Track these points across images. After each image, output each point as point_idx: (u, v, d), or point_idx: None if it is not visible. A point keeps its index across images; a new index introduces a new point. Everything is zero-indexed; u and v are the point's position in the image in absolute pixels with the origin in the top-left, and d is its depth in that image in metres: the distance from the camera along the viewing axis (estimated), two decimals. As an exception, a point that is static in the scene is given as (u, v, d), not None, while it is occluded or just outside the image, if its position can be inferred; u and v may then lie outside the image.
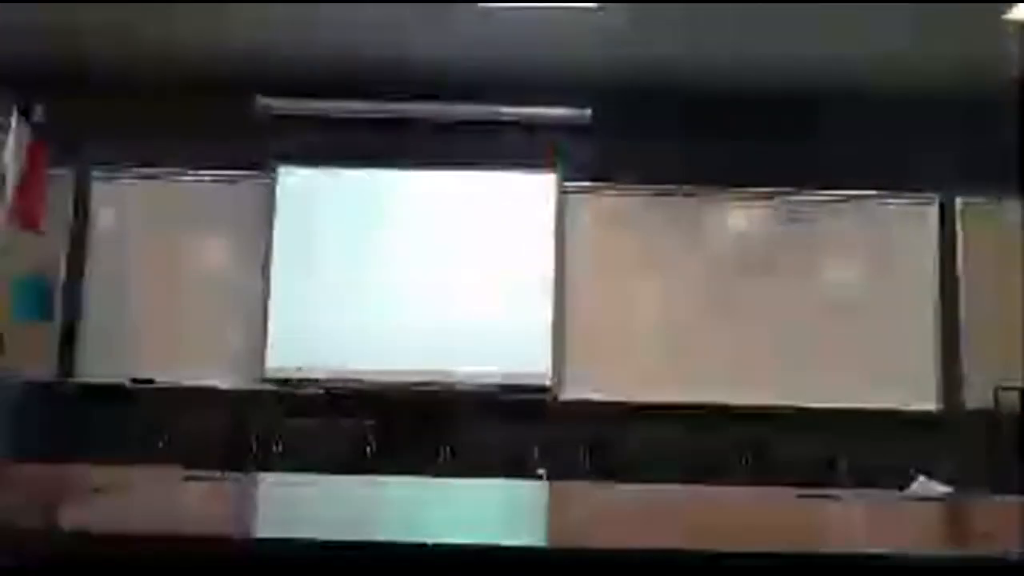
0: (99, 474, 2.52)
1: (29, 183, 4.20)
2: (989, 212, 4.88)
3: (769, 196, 4.92)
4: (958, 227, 4.89)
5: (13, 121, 4.12)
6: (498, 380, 4.66)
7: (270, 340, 4.70)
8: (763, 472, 4.45)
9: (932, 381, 4.74)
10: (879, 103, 4.95)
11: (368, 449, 4.40)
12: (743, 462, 4.48)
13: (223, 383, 4.69)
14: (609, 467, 4.47)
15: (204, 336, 4.77)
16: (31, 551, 1.15)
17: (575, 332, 4.77)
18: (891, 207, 4.90)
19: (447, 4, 4.06)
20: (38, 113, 4.30)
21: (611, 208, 4.92)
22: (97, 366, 4.74)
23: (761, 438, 4.55)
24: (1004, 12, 3.97)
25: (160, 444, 4.30)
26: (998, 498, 2.99)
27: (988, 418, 4.70)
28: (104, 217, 4.89)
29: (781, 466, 4.48)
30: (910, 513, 1.77)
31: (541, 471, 4.34)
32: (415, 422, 4.59)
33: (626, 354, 4.76)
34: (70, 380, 4.73)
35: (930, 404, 4.72)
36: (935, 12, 3.96)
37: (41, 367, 4.60)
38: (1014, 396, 4.63)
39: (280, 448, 4.44)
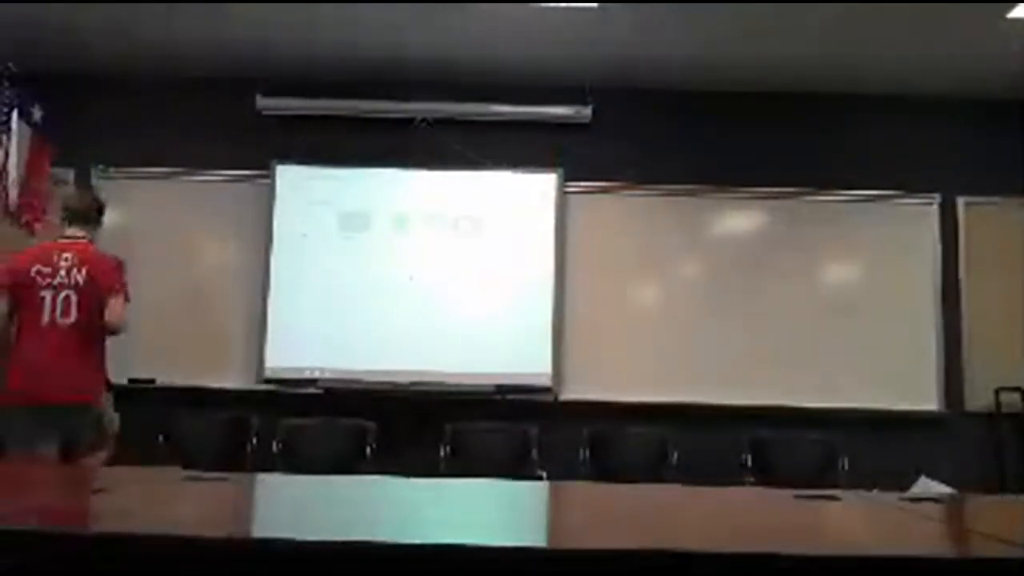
0: (99, 474, 2.51)
1: (29, 182, 4.21)
2: (991, 211, 4.88)
3: (769, 196, 4.91)
4: (960, 226, 4.89)
5: (13, 120, 4.12)
6: (498, 380, 4.66)
7: (270, 340, 4.70)
8: (763, 472, 4.45)
9: (933, 381, 4.73)
10: (880, 103, 4.95)
11: (368, 449, 4.40)
12: (743, 462, 4.48)
13: (223, 383, 4.69)
14: (609, 467, 4.47)
15: (204, 336, 4.77)
16: (31, 551, 1.15)
17: (575, 332, 4.76)
18: (892, 206, 4.89)
19: (447, 4, 4.06)
20: (38, 112, 4.31)
21: (611, 208, 4.92)
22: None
23: (761, 438, 4.55)
24: (1005, 12, 3.97)
25: (160, 444, 4.30)
26: (999, 498, 2.99)
27: (989, 419, 4.70)
28: (104, 216, 4.87)
29: (781, 466, 4.48)
30: (910, 514, 1.77)
31: (541, 471, 4.34)
32: (415, 422, 4.59)
33: (626, 354, 4.76)
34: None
35: (931, 404, 4.71)
36: (936, 12, 3.96)
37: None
38: (1015, 397, 4.64)
39: (280, 448, 4.44)
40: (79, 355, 3.35)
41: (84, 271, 3.38)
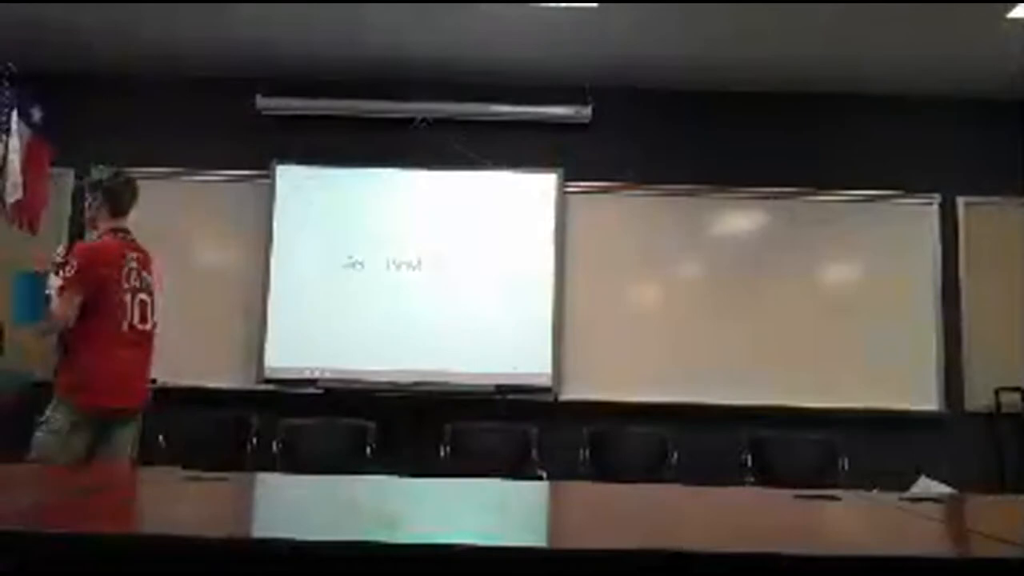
0: (99, 474, 2.51)
1: (28, 182, 4.20)
2: (991, 211, 4.88)
3: (769, 196, 4.92)
4: (960, 226, 4.89)
5: (13, 120, 4.12)
6: (498, 380, 4.66)
7: (270, 340, 4.70)
8: (763, 472, 4.45)
9: (933, 381, 4.74)
10: (880, 103, 4.95)
11: (368, 449, 4.40)
12: (743, 462, 4.48)
13: (223, 383, 4.69)
14: (609, 467, 4.47)
15: (204, 335, 4.76)
16: (31, 551, 1.15)
17: (575, 332, 4.76)
18: (892, 206, 4.89)
19: (447, 4, 4.06)
20: (38, 112, 4.30)
21: (611, 208, 4.92)
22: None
23: (761, 438, 4.55)
24: (1005, 12, 3.97)
25: (160, 444, 4.30)
26: (999, 498, 2.99)
27: (989, 419, 4.70)
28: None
29: (781, 466, 4.48)
30: (910, 514, 1.77)
31: (541, 471, 4.34)
32: (415, 422, 4.59)
33: (626, 354, 4.76)
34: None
35: (931, 404, 4.72)
36: (936, 12, 3.96)
37: (41, 367, 4.59)
38: (1015, 397, 4.64)
39: (280, 448, 4.44)
40: (150, 362, 3.26)
41: (148, 273, 3.24)
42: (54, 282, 3.04)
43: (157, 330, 3.29)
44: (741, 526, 1.62)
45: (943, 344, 4.77)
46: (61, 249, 3.24)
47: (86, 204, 3.29)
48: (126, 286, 3.13)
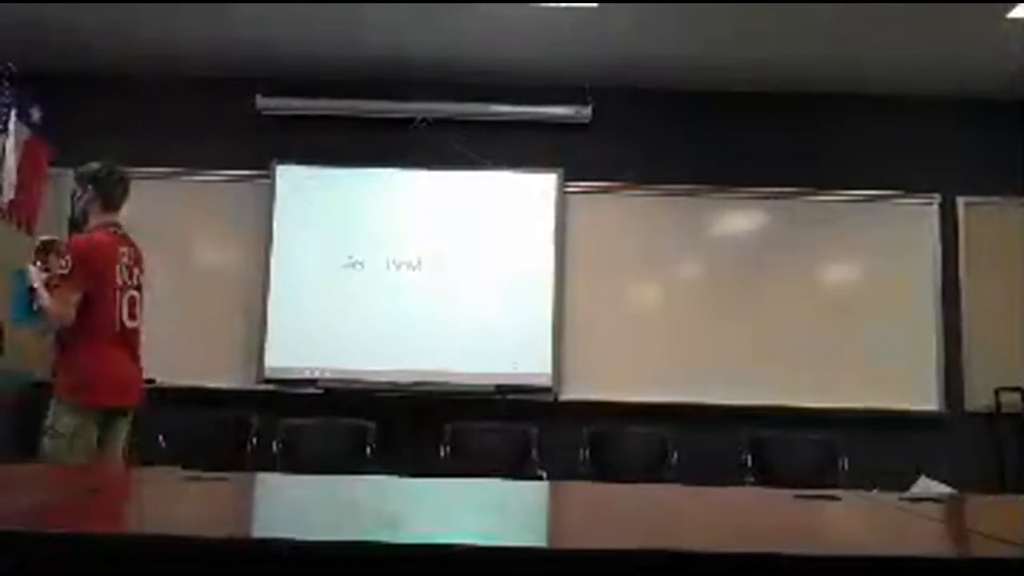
0: (99, 474, 2.51)
1: (26, 182, 4.21)
2: (991, 211, 4.88)
3: (769, 196, 4.92)
4: (960, 226, 4.89)
5: (12, 120, 4.12)
6: (498, 380, 4.66)
7: (270, 340, 4.70)
8: (763, 472, 4.45)
9: (933, 381, 4.74)
10: (880, 103, 4.95)
11: (368, 449, 4.40)
12: (743, 462, 4.48)
13: (223, 383, 4.69)
14: (609, 467, 4.47)
15: (204, 335, 4.77)
16: (31, 552, 1.15)
17: (575, 332, 4.76)
18: (892, 206, 4.89)
19: (447, 4, 4.06)
20: (37, 112, 4.30)
21: (611, 208, 4.92)
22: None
23: (761, 438, 4.55)
24: (1005, 12, 3.97)
25: (160, 444, 4.30)
26: (999, 498, 2.99)
27: (989, 419, 4.70)
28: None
29: (781, 466, 4.48)
30: (910, 514, 1.77)
31: (541, 471, 4.34)
32: (415, 422, 4.59)
33: (626, 354, 4.76)
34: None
35: (931, 404, 4.72)
36: (936, 12, 3.96)
37: (41, 367, 4.59)
38: (1015, 397, 4.64)
39: (280, 448, 4.44)
40: (140, 360, 3.21)
41: (139, 269, 3.19)
42: (35, 273, 3.01)
43: (143, 328, 3.23)
44: (741, 526, 1.62)
45: (943, 344, 4.77)
46: (44, 237, 3.21)
47: (76, 198, 3.24)
48: (118, 282, 3.09)
